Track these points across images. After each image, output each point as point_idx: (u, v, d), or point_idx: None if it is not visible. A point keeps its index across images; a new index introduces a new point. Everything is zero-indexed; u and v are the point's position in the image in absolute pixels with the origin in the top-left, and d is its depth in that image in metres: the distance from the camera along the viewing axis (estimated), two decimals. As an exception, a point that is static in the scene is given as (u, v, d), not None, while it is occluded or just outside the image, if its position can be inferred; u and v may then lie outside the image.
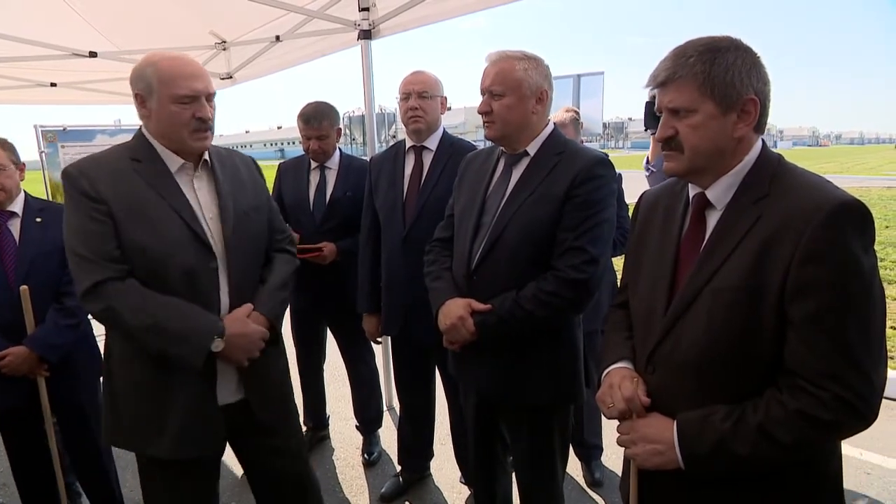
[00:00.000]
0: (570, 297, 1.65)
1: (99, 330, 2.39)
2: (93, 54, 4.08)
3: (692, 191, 1.23)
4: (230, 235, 1.66)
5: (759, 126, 1.14)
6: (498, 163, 1.84)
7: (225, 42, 4.24)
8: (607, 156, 1.75)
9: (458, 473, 2.86)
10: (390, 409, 3.72)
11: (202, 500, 1.80)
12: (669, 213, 1.29)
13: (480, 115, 1.76)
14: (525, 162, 1.75)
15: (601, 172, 1.67)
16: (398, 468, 2.93)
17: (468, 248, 1.78)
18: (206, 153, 1.68)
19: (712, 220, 1.18)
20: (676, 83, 1.12)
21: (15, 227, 2.21)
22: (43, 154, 4.81)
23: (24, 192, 2.30)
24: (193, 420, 1.62)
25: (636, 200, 1.48)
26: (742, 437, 1.06)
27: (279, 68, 4.34)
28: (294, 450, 1.91)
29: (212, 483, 1.84)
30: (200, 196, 1.66)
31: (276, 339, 1.80)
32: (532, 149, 1.75)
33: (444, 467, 3.03)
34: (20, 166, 2.30)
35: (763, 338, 1.07)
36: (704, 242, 1.18)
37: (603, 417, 3.04)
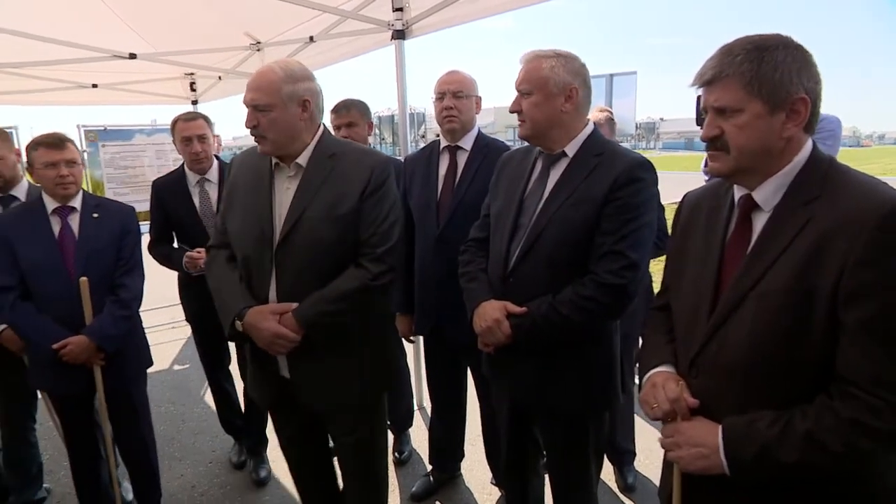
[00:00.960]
0: (607, 303, 1.63)
1: (146, 322, 2.49)
2: (132, 56, 4.21)
3: (738, 192, 1.21)
4: (284, 238, 1.75)
5: (810, 126, 1.11)
6: (536, 163, 1.83)
7: (259, 43, 4.32)
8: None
9: (489, 475, 2.86)
10: (421, 408, 3.74)
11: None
12: (713, 215, 1.27)
13: (513, 114, 1.77)
14: (563, 163, 1.74)
15: (642, 175, 1.64)
16: (429, 468, 2.95)
17: (505, 250, 1.77)
18: (304, 156, 1.78)
19: (759, 222, 1.16)
20: (723, 82, 1.10)
21: (74, 222, 2.31)
22: (85, 153, 4.99)
23: (82, 189, 2.40)
24: (255, 373, 1.97)
25: (678, 202, 1.47)
26: (789, 444, 1.04)
27: (312, 68, 4.38)
28: (349, 444, 1.96)
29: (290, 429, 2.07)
30: (284, 196, 1.79)
31: (338, 341, 1.82)
32: (571, 150, 1.73)
33: (475, 468, 3.03)
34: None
35: (813, 343, 1.05)
36: (751, 245, 1.16)
37: (636, 422, 3.04)
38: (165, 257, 2.90)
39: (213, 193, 2.87)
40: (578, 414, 1.81)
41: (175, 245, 2.97)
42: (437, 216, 2.33)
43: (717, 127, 1.13)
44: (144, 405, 2.56)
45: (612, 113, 2.80)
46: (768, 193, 1.14)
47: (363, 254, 1.74)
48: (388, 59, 3.41)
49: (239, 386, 3.14)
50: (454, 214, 2.27)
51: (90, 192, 4.84)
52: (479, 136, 2.38)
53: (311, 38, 3.91)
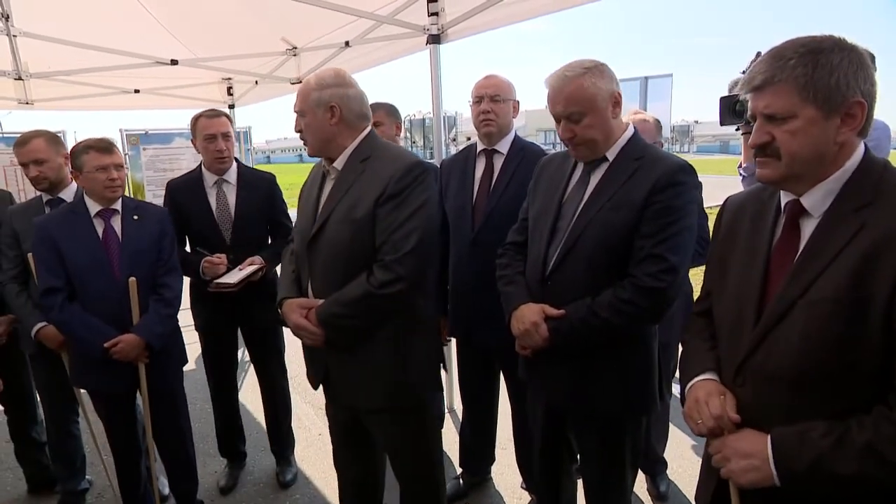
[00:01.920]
0: (646, 306, 1.63)
1: (183, 322, 2.56)
2: (174, 62, 4.33)
3: (784, 197, 1.19)
4: (313, 237, 1.86)
5: (864, 130, 1.08)
6: (575, 167, 1.83)
7: (295, 48, 4.41)
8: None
9: (520, 479, 2.86)
10: (451, 411, 3.75)
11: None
12: (758, 220, 1.25)
13: (564, 142, 1.75)
14: (603, 167, 1.74)
15: (682, 179, 1.63)
16: (459, 470, 2.96)
17: (543, 253, 1.77)
18: (341, 159, 1.86)
19: (808, 228, 1.14)
20: (774, 87, 1.08)
21: (117, 224, 2.38)
22: (127, 156, 5.15)
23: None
24: (308, 354, 2.07)
25: (718, 206, 1.45)
26: (846, 456, 1.02)
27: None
28: (390, 447, 2.03)
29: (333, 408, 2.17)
30: (323, 196, 1.91)
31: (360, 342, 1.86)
32: (611, 154, 1.73)
33: (505, 472, 3.03)
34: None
35: (866, 352, 1.02)
36: (799, 251, 1.14)
37: (670, 429, 3.00)
38: (182, 263, 2.75)
39: (230, 195, 2.82)
40: (616, 419, 1.80)
41: (187, 249, 2.91)
42: (473, 220, 2.34)
43: (767, 133, 1.11)
44: (183, 400, 2.65)
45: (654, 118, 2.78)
46: (817, 199, 1.12)
47: (376, 260, 1.75)
48: (419, 62, 3.46)
49: (253, 402, 3.11)
50: (489, 218, 2.28)
51: (131, 194, 5.07)
52: (516, 139, 2.39)
53: (347, 43, 3.97)
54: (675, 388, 3.66)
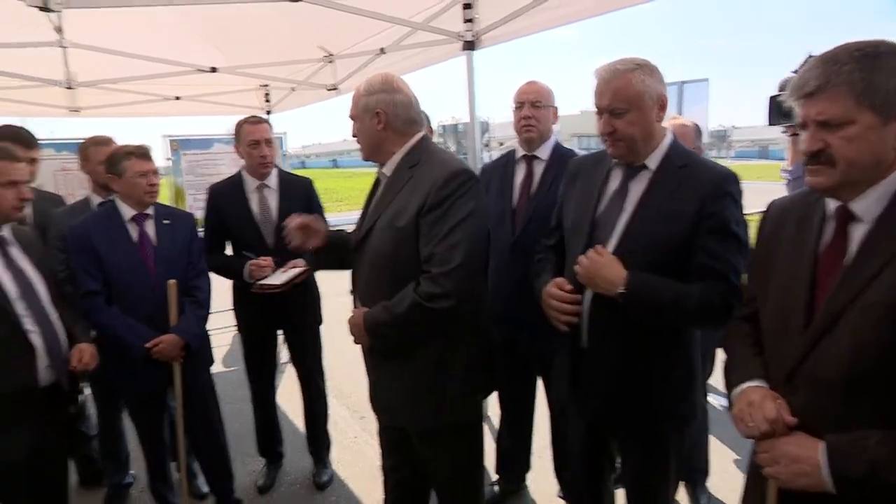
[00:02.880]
0: (703, 322, 1.67)
1: (210, 325, 2.64)
2: (213, 69, 4.48)
3: (832, 202, 1.20)
4: (359, 243, 1.89)
5: None
6: (610, 174, 1.80)
7: (332, 55, 4.50)
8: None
9: (556, 487, 2.86)
10: (486, 417, 3.76)
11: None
12: (804, 225, 1.26)
13: (603, 137, 1.72)
14: (645, 177, 1.71)
15: (731, 189, 1.62)
16: (494, 477, 2.97)
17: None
18: (389, 165, 1.88)
19: (857, 232, 1.15)
20: (829, 93, 1.08)
21: (150, 228, 2.48)
22: (169, 161, 5.35)
23: None
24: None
25: (760, 211, 1.45)
26: None
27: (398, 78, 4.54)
28: (430, 461, 1.99)
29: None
30: (374, 202, 1.94)
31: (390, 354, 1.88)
32: (652, 162, 1.70)
33: (541, 480, 3.03)
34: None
35: None
36: (849, 256, 1.14)
37: (711, 441, 2.96)
38: (224, 266, 2.90)
39: (272, 200, 2.90)
40: (660, 429, 1.79)
41: (228, 253, 2.99)
42: (513, 225, 2.38)
43: (820, 140, 1.11)
44: (214, 397, 2.74)
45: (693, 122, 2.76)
46: (869, 204, 1.12)
47: (423, 272, 1.71)
48: (451, 68, 3.51)
49: (289, 403, 3.15)
50: (529, 223, 2.32)
51: (172, 198, 5.24)
52: (556, 145, 2.42)
53: (382, 50, 4.04)
54: (711, 397, 3.63)
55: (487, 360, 1.96)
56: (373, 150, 1.89)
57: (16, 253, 2.06)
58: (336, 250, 2.08)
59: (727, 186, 1.62)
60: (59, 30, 3.48)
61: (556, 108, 2.42)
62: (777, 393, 1.24)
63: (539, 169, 2.40)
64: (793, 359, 1.19)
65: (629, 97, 1.63)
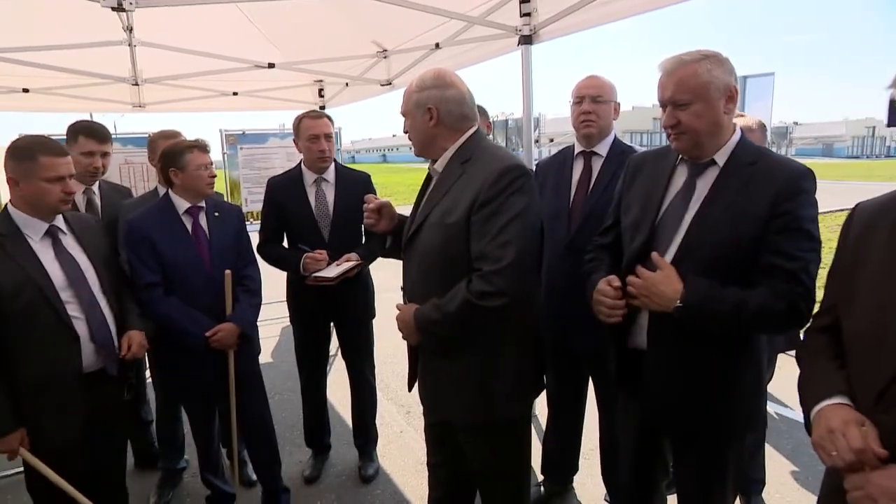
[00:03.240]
0: (765, 330, 1.63)
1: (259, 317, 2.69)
2: (271, 65, 4.59)
3: None
4: (409, 239, 1.91)
5: None
6: (675, 171, 1.76)
7: (386, 51, 4.54)
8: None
9: (604, 491, 2.82)
10: (533, 416, 3.73)
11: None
12: None
13: (666, 130, 1.68)
14: (713, 173, 1.66)
15: (807, 187, 1.55)
16: (540, 478, 2.95)
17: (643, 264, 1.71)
18: (441, 161, 1.87)
19: None
20: None
21: (202, 220, 2.56)
22: (225, 155, 5.53)
23: None
24: None
25: (831, 212, 1.37)
26: None
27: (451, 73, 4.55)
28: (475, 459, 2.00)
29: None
30: (425, 198, 1.94)
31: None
32: (720, 158, 1.65)
33: (588, 483, 3.00)
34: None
35: None
36: None
37: (768, 451, 2.86)
38: (280, 258, 2.96)
39: (329, 194, 2.96)
40: (723, 436, 1.73)
41: (285, 244, 3.05)
42: (569, 222, 2.34)
43: None
44: (263, 385, 2.80)
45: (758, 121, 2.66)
46: None
47: (474, 269, 1.70)
48: (504, 62, 3.49)
49: (338, 395, 3.20)
50: (586, 221, 2.27)
51: (228, 190, 5.41)
52: (616, 142, 2.37)
53: (437, 45, 4.05)
54: (769, 405, 3.50)
55: (537, 360, 1.95)
56: (425, 147, 1.89)
57: (68, 241, 2.15)
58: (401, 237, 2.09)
59: (803, 183, 1.55)
60: (128, 29, 3.63)
61: (617, 104, 2.37)
62: (865, 413, 1.15)
63: (597, 165, 2.35)
64: (889, 373, 1.10)
65: (694, 87, 1.58)
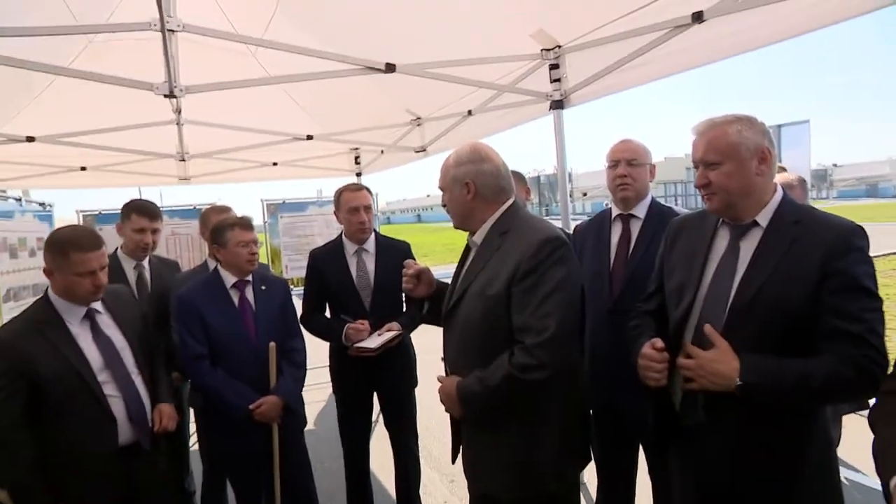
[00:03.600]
0: (834, 400, 1.59)
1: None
2: (309, 137, 4.81)
3: None
4: (450, 310, 1.94)
5: None
6: (716, 233, 1.76)
7: (419, 118, 4.71)
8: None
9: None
10: (582, 484, 3.60)
11: None
12: None
13: (699, 189, 1.71)
14: (756, 234, 1.65)
15: (859, 244, 1.52)
16: (593, 550, 2.82)
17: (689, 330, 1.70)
18: (480, 233, 1.92)
19: None
20: None
21: (249, 293, 2.65)
22: (266, 224, 5.73)
23: None
24: None
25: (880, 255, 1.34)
26: None
27: (469, 140, 4.67)
28: None
29: None
30: (464, 269, 1.98)
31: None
32: (763, 219, 1.64)
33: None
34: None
35: None
36: None
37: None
38: (324, 328, 3.01)
39: (370, 263, 3.03)
40: None
41: (327, 314, 3.10)
42: (610, 287, 2.34)
43: None
44: (307, 457, 2.81)
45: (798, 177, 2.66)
46: None
47: (516, 341, 1.71)
48: (533, 123, 3.60)
49: (381, 463, 3.17)
50: (628, 284, 2.27)
51: (269, 259, 5.57)
52: (654, 203, 2.39)
53: (470, 112, 4.18)
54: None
55: (582, 429, 1.93)
56: (464, 219, 1.96)
57: (104, 321, 2.25)
58: (441, 303, 2.12)
59: (854, 240, 1.52)
60: (177, 111, 3.89)
61: (653, 166, 2.41)
62: None
63: (636, 228, 2.37)
64: None
65: (723, 148, 1.63)
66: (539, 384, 1.67)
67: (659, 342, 1.74)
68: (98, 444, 2.10)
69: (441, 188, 1.98)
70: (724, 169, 1.63)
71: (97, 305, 2.24)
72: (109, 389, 2.14)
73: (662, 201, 2.49)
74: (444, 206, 1.99)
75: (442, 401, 1.91)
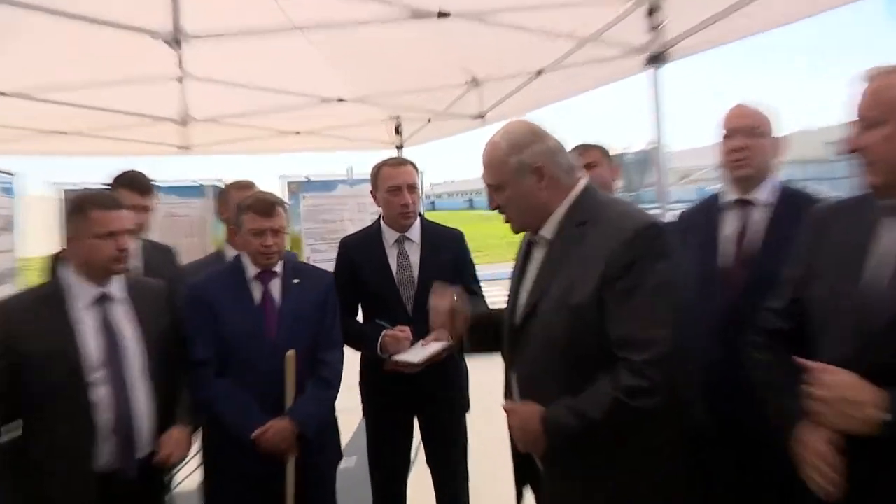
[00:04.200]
0: None
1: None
2: (340, 100, 4.84)
3: None
4: (520, 326, 1.91)
5: None
6: (878, 223, 1.61)
7: (477, 79, 4.67)
8: None
9: None
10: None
11: None
12: None
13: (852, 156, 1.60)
14: None
15: None
16: None
17: (853, 356, 1.53)
18: (549, 226, 1.88)
19: None
20: None
21: (276, 288, 2.63)
22: (287, 206, 5.77)
23: (286, 251, 2.74)
24: None
25: None
26: None
27: (537, 105, 4.64)
28: None
29: None
30: (530, 271, 1.96)
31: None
32: None
33: None
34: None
35: None
36: None
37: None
38: (357, 336, 2.94)
39: (413, 255, 2.99)
40: None
41: (359, 318, 3.05)
42: (723, 293, 2.25)
43: None
44: (335, 500, 2.76)
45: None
46: None
47: (619, 359, 1.67)
48: (613, 91, 3.49)
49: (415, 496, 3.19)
50: (750, 292, 2.12)
51: (289, 248, 5.61)
52: (781, 186, 2.30)
53: (540, 72, 4.12)
54: None
55: (691, 467, 1.84)
56: (536, 216, 1.89)
57: (119, 311, 2.29)
58: (487, 331, 2.10)
59: None
60: (179, 62, 3.94)
61: (781, 139, 2.31)
62: None
63: (757, 217, 2.27)
64: None
65: (887, 102, 1.50)
66: (648, 412, 1.64)
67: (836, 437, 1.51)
68: (68, 459, 2.10)
69: (497, 185, 1.89)
70: (885, 131, 1.51)
71: (116, 291, 2.30)
72: (100, 391, 2.15)
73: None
74: (495, 208, 1.92)
75: (515, 435, 1.87)
